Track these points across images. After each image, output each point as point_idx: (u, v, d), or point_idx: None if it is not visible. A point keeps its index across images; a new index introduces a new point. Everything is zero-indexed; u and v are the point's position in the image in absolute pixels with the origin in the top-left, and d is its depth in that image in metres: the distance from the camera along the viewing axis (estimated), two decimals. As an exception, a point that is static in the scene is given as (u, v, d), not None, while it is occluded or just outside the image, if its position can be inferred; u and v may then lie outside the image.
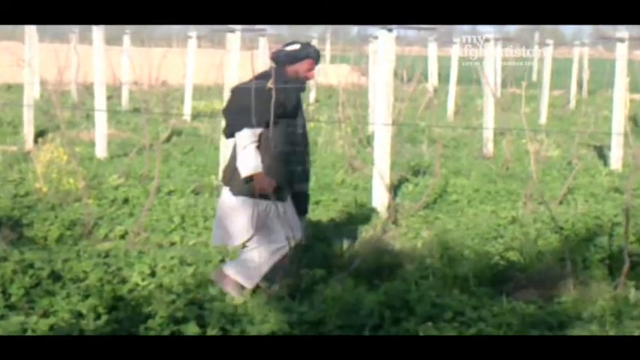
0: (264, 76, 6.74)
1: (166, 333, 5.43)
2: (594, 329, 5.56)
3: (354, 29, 29.00)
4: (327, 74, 29.62)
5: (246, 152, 6.58)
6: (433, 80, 27.04)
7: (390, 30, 10.03)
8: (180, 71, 22.79)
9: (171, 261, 7.23)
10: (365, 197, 10.40)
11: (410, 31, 20.84)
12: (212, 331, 5.44)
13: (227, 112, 6.83)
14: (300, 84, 6.90)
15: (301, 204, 6.90)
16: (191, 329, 5.45)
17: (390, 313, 5.83)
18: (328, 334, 5.58)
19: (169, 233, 8.71)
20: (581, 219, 8.49)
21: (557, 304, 6.49)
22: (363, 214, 9.79)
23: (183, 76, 21.04)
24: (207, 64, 26.15)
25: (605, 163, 14.17)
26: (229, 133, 6.79)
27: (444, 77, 26.18)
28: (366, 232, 9.02)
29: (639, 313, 5.96)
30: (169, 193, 10.37)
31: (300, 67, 6.89)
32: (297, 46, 6.94)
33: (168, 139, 15.42)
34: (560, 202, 10.42)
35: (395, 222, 9.36)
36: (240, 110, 6.59)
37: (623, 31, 14.46)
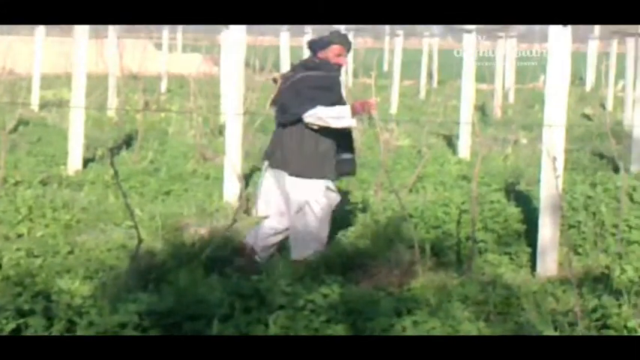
0: (305, 66, 7.52)
1: (12, 326, 5.29)
2: (441, 315, 5.65)
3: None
4: (179, 64, 29.42)
5: (327, 112, 7.21)
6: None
7: (241, 19, 9.99)
8: (27, 60, 22.27)
9: (18, 253, 7.06)
10: (217, 187, 10.35)
11: (262, 21, 20.73)
12: (59, 324, 5.32)
13: (288, 100, 7.38)
14: (332, 69, 7.43)
15: (348, 167, 7.57)
16: (37, 322, 5.32)
17: (241, 303, 5.81)
18: (178, 325, 5.52)
19: (16, 225, 8.50)
20: (430, 207, 8.62)
21: (407, 290, 6.57)
22: (215, 204, 9.76)
23: (31, 64, 20.57)
24: (55, 52, 25.64)
25: (454, 152, 14.43)
26: (293, 118, 7.35)
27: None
28: (217, 222, 8.99)
29: (485, 298, 6.09)
30: (16, 184, 10.13)
31: (328, 53, 7.43)
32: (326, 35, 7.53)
33: (15, 129, 15.01)
34: (410, 191, 10.57)
35: (247, 211, 9.34)
36: (305, 96, 7.25)
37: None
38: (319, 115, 7.24)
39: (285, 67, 27.41)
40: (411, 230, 7.65)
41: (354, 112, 7.26)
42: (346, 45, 7.55)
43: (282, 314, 5.63)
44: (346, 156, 7.53)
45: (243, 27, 10.09)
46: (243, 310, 5.76)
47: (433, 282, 6.71)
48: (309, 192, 7.39)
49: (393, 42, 28.03)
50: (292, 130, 7.42)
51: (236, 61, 10.10)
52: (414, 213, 8.45)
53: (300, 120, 7.34)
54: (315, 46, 7.52)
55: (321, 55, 7.47)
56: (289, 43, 27.69)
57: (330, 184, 7.50)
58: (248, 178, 11.04)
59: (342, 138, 7.50)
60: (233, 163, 9.87)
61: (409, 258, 7.29)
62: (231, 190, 9.97)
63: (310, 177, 7.39)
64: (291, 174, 7.42)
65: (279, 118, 7.55)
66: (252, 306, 5.82)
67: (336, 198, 7.55)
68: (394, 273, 7.04)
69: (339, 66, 7.55)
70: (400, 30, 25.77)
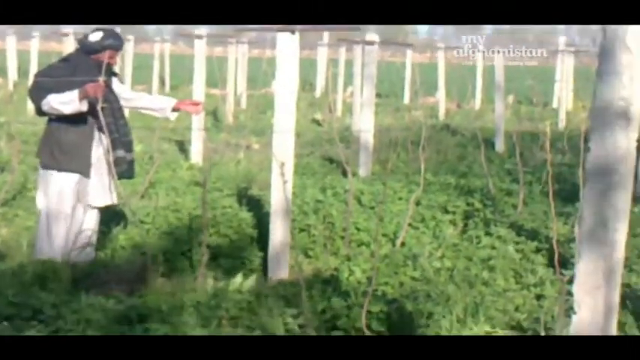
0: (65, 59, 7.68)
1: None
2: (173, 321, 5.60)
3: None
4: None
5: (58, 98, 7.12)
6: (13, 75, 26.32)
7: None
8: None
9: None
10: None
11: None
12: None
13: (31, 91, 7.45)
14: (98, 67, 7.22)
15: (122, 168, 7.45)
16: None
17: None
18: None
19: None
20: (162, 212, 8.57)
21: (139, 297, 6.49)
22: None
23: None
24: None
25: (186, 157, 14.41)
26: (37, 108, 7.36)
27: (24, 71, 25.52)
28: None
29: (217, 303, 6.08)
30: None
31: (102, 56, 7.35)
32: (99, 36, 7.39)
33: None
34: (142, 197, 10.46)
35: None
36: (41, 87, 7.27)
37: (202, 28, 14.75)
38: (50, 103, 7.19)
39: (12, 70, 26.65)
40: (142, 236, 7.57)
41: (84, 96, 7.13)
42: (120, 47, 7.66)
43: (7, 325, 5.45)
44: (119, 153, 7.45)
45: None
46: (-34, 322, 5.54)
47: (165, 288, 6.66)
48: (48, 185, 7.40)
49: (124, 46, 27.73)
50: (48, 123, 7.51)
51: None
52: (146, 219, 8.37)
53: (47, 112, 7.35)
54: (89, 49, 7.46)
55: (94, 57, 7.43)
56: (16, 46, 26.92)
57: (85, 180, 7.41)
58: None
59: (114, 132, 7.44)
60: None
61: (140, 265, 7.21)
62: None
63: (53, 169, 7.40)
64: (41, 166, 7.50)
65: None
66: (-24, 318, 5.61)
67: (95, 197, 7.50)
68: (126, 280, 6.93)
69: (110, 64, 7.52)
70: (131, 35, 25.50)
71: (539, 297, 6.80)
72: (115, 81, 7.71)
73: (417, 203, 9.13)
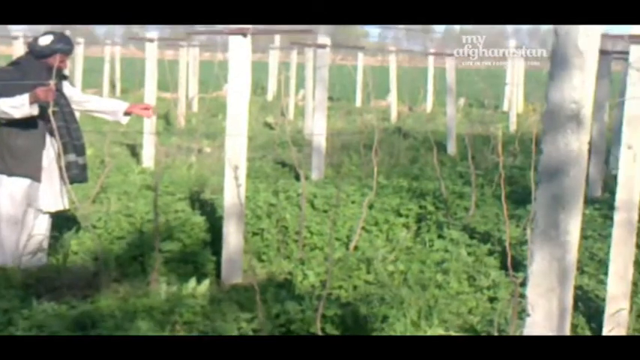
0: (15, 63, 7.61)
1: None
2: (126, 327, 5.57)
3: None
4: None
5: (8, 102, 7.06)
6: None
7: None
8: None
9: None
10: None
11: None
12: None
13: None
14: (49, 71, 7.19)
15: (75, 173, 7.41)
16: None
17: None
18: None
19: None
20: (114, 217, 8.51)
21: (91, 303, 6.43)
22: None
23: None
24: None
25: (138, 162, 14.32)
26: None
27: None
28: None
29: (170, 308, 6.05)
30: None
31: (52, 60, 7.33)
32: (48, 40, 7.33)
33: None
34: (94, 201, 10.39)
35: None
36: None
37: (153, 31, 14.68)
38: (0, 107, 7.11)
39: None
40: (94, 241, 7.52)
41: (35, 99, 7.08)
42: (70, 50, 7.58)
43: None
44: (71, 158, 7.37)
45: None
46: None
47: (118, 294, 6.61)
48: None
49: (75, 49, 27.52)
50: None
51: None
52: (98, 224, 8.31)
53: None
54: (38, 53, 7.40)
55: (44, 60, 7.38)
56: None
57: (35, 185, 7.34)
58: None
59: (66, 136, 7.40)
60: None
61: (93, 270, 7.16)
62: None
63: (3, 174, 7.32)
64: None
65: None
66: None
67: (46, 202, 7.39)
68: (78, 286, 6.88)
69: (60, 69, 7.47)
70: (81, 38, 25.34)
71: (492, 299, 6.84)
72: (65, 84, 7.66)
73: (370, 207, 9.14)
